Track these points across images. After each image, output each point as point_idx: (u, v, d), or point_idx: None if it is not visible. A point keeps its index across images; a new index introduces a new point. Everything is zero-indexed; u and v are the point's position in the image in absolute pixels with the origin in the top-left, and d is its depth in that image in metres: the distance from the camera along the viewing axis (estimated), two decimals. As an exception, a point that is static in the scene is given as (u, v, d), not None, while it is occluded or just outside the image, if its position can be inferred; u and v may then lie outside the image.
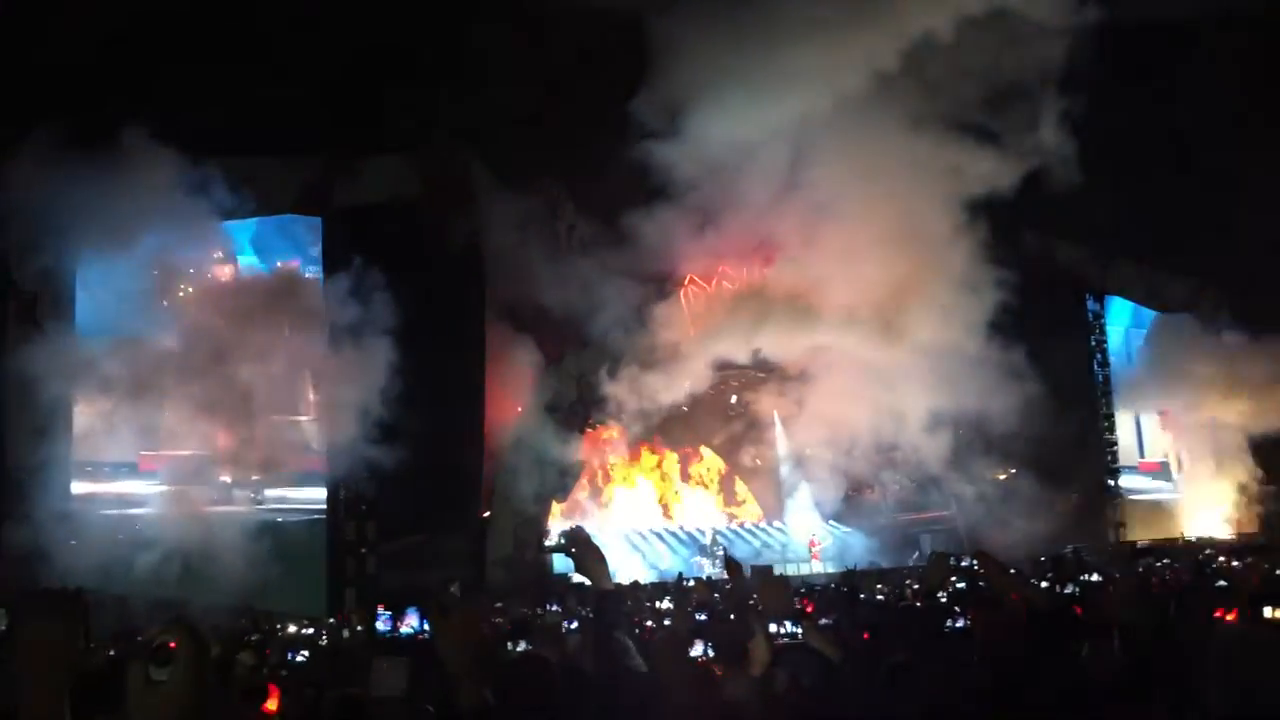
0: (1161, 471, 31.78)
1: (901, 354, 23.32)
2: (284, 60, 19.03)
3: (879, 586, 16.32)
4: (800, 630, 4.74)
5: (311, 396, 21.33)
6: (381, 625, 10.40)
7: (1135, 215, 24.63)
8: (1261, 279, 24.94)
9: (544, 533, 24.48)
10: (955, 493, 26.57)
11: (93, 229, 17.07)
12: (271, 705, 5.16)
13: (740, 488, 32.08)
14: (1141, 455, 31.86)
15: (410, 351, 18.54)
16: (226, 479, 19.82)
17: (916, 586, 14.56)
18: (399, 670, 4.96)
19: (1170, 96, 22.78)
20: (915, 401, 23.77)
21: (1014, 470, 26.20)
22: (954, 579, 11.25)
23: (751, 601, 5.70)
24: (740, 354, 25.96)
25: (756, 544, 29.52)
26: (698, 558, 27.87)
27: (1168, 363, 29.25)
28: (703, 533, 29.33)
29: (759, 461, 31.30)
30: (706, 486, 31.83)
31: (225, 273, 20.92)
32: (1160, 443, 31.92)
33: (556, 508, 26.32)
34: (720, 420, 31.04)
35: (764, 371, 27.88)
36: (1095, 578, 12.15)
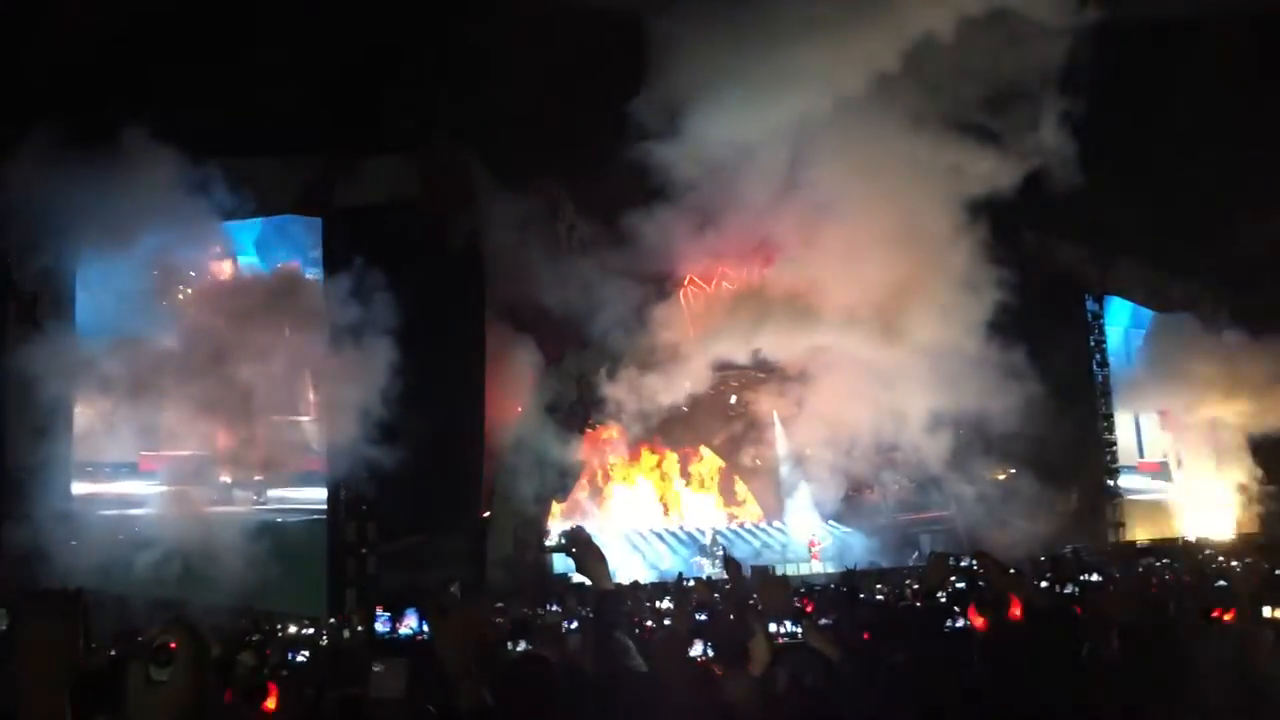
0: (1161, 471, 31.77)
1: (901, 354, 23.32)
2: (283, 60, 19.02)
3: (879, 587, 16.32)
4: (800, 630, 4.74)
5: (311, 397, 21.33)
6: (380, 626, 10.40)
7: (1135, 215, 24.63)
8: (1262, 279, 24.95)
9: (544, 533, 24.49)
10: (955, 493, 26.57)
11: (93, 229, 17.07)
12: (270, 704, 5.16)
13: (740, 488, 32.09)
14: (1141, 455, 31.84)
15: (410, 352, 18.54)
16: (227, 479, 19.82)
17: (916, 586, 14.57)
18: (398, 672, 4.96)
19: (1171, 96, 22.78)
20: (915, 401, 23.77)
21: (1014, 470, 26.21)
22: (954, 579, 11.24)
23: (751, 601, 5.70)
24: (740, 354, 25.95)
25: (756, 544, 29.53)
26: (698, 558, 27.88)
27: (1167, 362, 29.26)
28: (703, 533, 29.34)
29: (759, 462, 31.31)
30: (706, 486, 31.84)
31: (225, 271, 20.89)
32: (1160, 443, 31.91)
33: (556, 508, 26.33)
34: (720, 420, 31.05)
35: (764, 372, 27.88)
36: (1095, 578, 12.14)
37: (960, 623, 6.39)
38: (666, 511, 30.88)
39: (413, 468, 18.71)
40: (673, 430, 29.49)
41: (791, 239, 24.66)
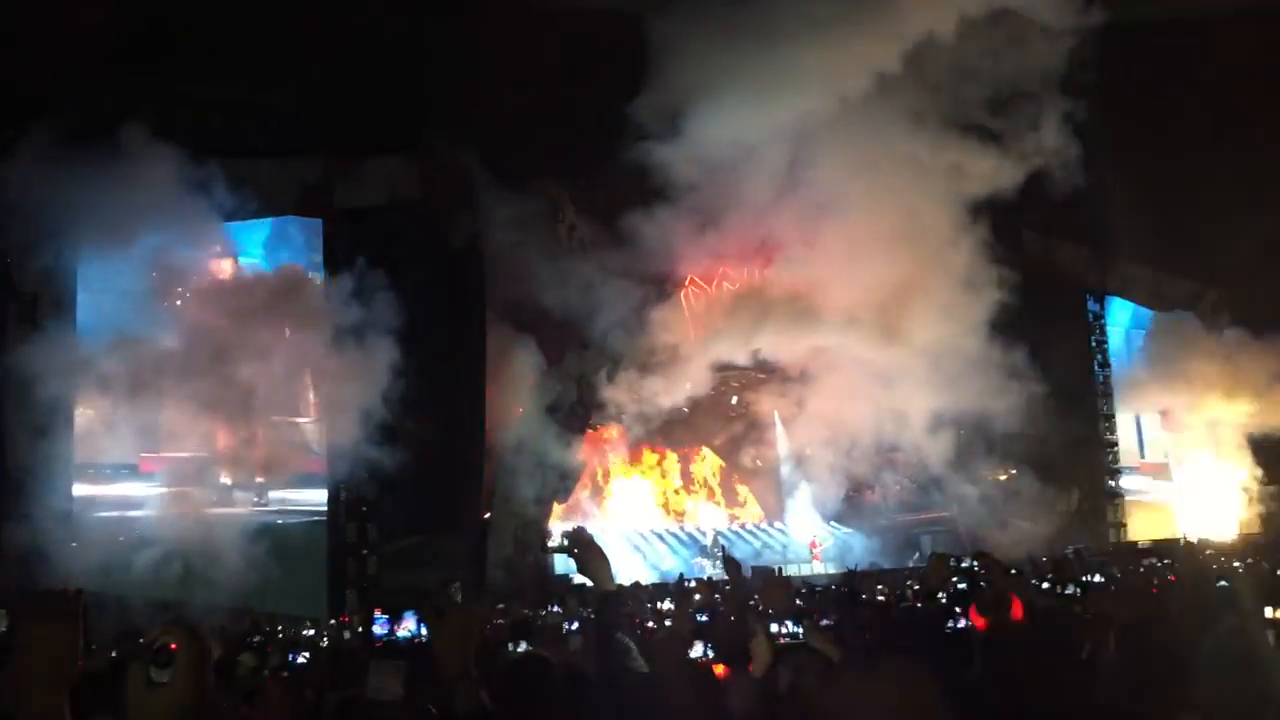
0: (1162, 472, 31.75)
1: (902, 354, 23.32)
2: (283, 61, 19.04)
3: (879, 587, 16.31)
4: (801, 630, 4.74)
5: (311, 398, 21.33)
6: (378, 629, 10.40)
7: (1136, 215, 24.62)
8: (1263, 279, 24.93)
9: (545, 534, 24.48)
10: (956, 493, 26.56)
11: (93, 229, 17.07)
12: (271, 705, 5.17)
13: (741, 488, 32.08)
14: (1142, 455, 31.83)
15: (410, 352, 18.53)
16: (227, 481, 19.82)
17: (917, 587, 14.57)
18: (396, 674, 4.95)
19: (1171, 96, 22.78)
20: (916, 402, 23.77)
21: (1014, 471, 26.21)
22: (955, 580, 11.24)
23: (752, 602, 5.70)
24: (741, 355, 25.95)
25: (757, 544, 29.52)
26: (699, 558, 27.87)
27: (1167, 362, 29.26)
28: (704, 533, 29.34)
29: (759, 462, 31.30)
30: (707, 487, 31.83)
31: (225, 270, 20.88)
32: (1161, 443, 31.89)
33: (557, 509, 26.32)
34: (721, 421, 31.04)
35: (764, 372, 27.89)
36: (1097, 579, 12.14)
37: (961, 623, 6.39)
38: (667, 512, 30.88)
39: (413, 468, 18.71)
40: (673, 431, 29.49)
41: (792, 239, 24.67)
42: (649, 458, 30.87)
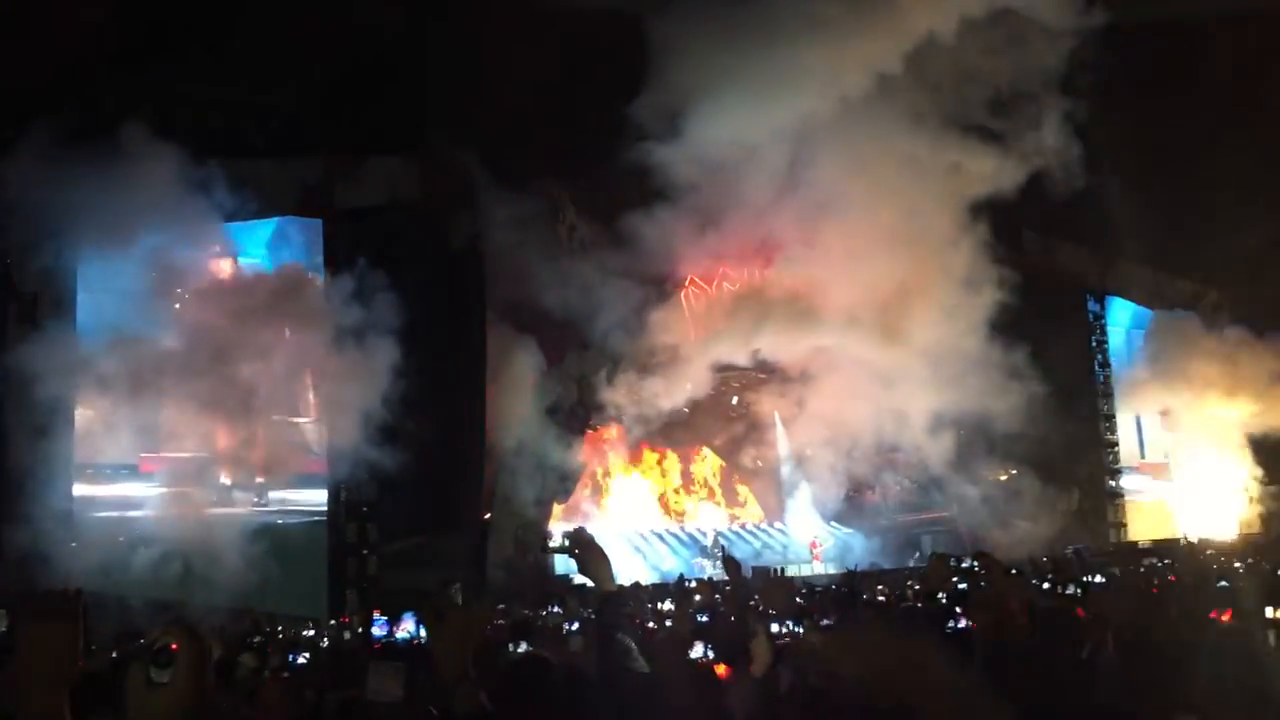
0: (1162, 472, 31.76)
1: (902, 354, 23.32)
2: (284, 62, 19.04)
3: (879, 588, 16.31)
4: (802, 630, 4.74)
5: (311, 398, 21.32)
6: (377, 631, 10.41)
7: (1137, 216, 24.62)
8: (1263, 280, 24.94)
9: (546, 534, 24.48)
10: (956, 494, 26.56)
11: (94, 229, 17.07)
12: (271, 705, 5.17)
13: (741, 488, 32.09)
14: (1142, 455, 31.84)
15: (411, 353, 18.53)
16: (227, 481, 19.82)
17: (918, 587, 14.56)
18: (395, 676, 4.96)
19: (1172, 96, 22.78)
20: (916, 402, 23.78)
21: (1015, 471, 26.21)
22: (955, 580, 11.24)
23: (753, 602, 5.70)
24: (741, 355, 25.95)
25: (757, 545, 29.53)
26: (699, 559, 27.87)
27: (1168, 361, 29.26)
28: (704, 534, 29.34)
29: (760, 463, 31.30)
30: (708, 487, 31.83)
31: (224, 270, 20.87)
32: (1161, 443, 31.90)
33: (557, 509, 26.31)
34: (721, 421, 31.04)
35: (765, 373, 27.89)
36: (1099, 579, 12.15)
37: (962, 623, 6.39)
38: (668, 512, 30.88)
39: (413, 469, 18.70)
40: (674, 431, 29.50)
41: (793, 239, 24.68)
42: (649, 458, 30.88)
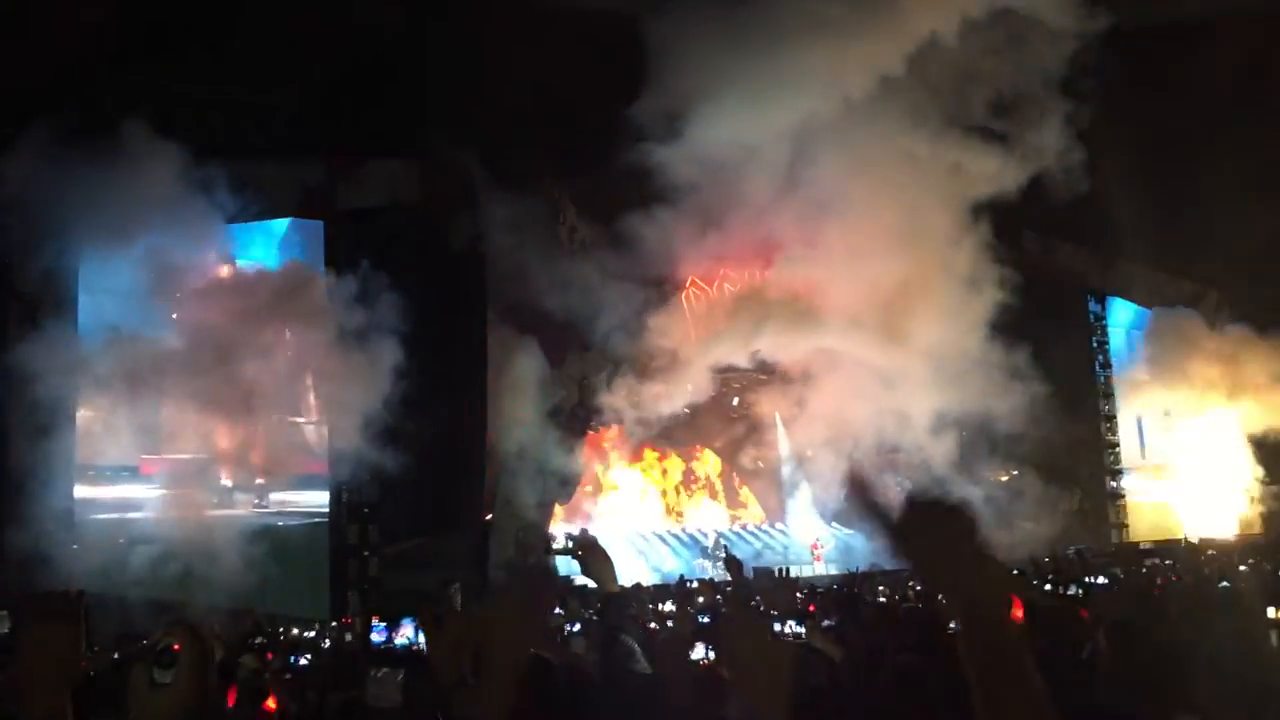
0: (1164, 472, 31.74)
1: (903, 355, 23.31)
2: (284, 63, 19.05)
3: (880, 588, 16.31)
4: (804, 630, 4.74)
5: (312, 399, 21.32)
6: (376, 637, 10.39)
7: (1137, 216, 24.62)
8: (1264, 279, 24.92)
9: (549, 536, 24.47)
10: (957, 494, 26.46)
11: (94, 230, 17.07)
12: (271, 704, 5.17)
13: (742, 489, 32.08)
14: (1143, 456, 31.83)
15: (412, 354, 18.53)
16: (227, 482, 19.81)
17: (919, 588, 14.56)
18: (394, 682, 4.96)
19: (1172, 97, 22.77)
20: (917, 402, 23.77)
21: (1016, 471, 26.19)
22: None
23: (754, 602, 5.70)
24: (742, 357, 25.95)
25: (758, 545, 29.52)
26: (700, 560, 27.86)
27: (1168, 360, 29.25)
28: (705, 534, 29.33)
29: (760, 463, 31.30)
30: (709, 488, 31.83)
31: (225, 273, 20.87)
32: (1162, 443, 31.88)
33: (559, 510, 26.31)
34: (722, 422, 31.04)
35: (765, 373, 27.87)
36: (1100, 580, 12.15)
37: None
38: (669, 513, 30.88)
39: (414, 470, 18.70)
40: (674, 432, 29.50)
41: (794, 240, 24.67)
42: (650, 458, 30.87)
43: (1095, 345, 30.34)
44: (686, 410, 27.36)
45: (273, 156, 20.35)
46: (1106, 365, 30.27)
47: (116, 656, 7.00)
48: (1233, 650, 5.16)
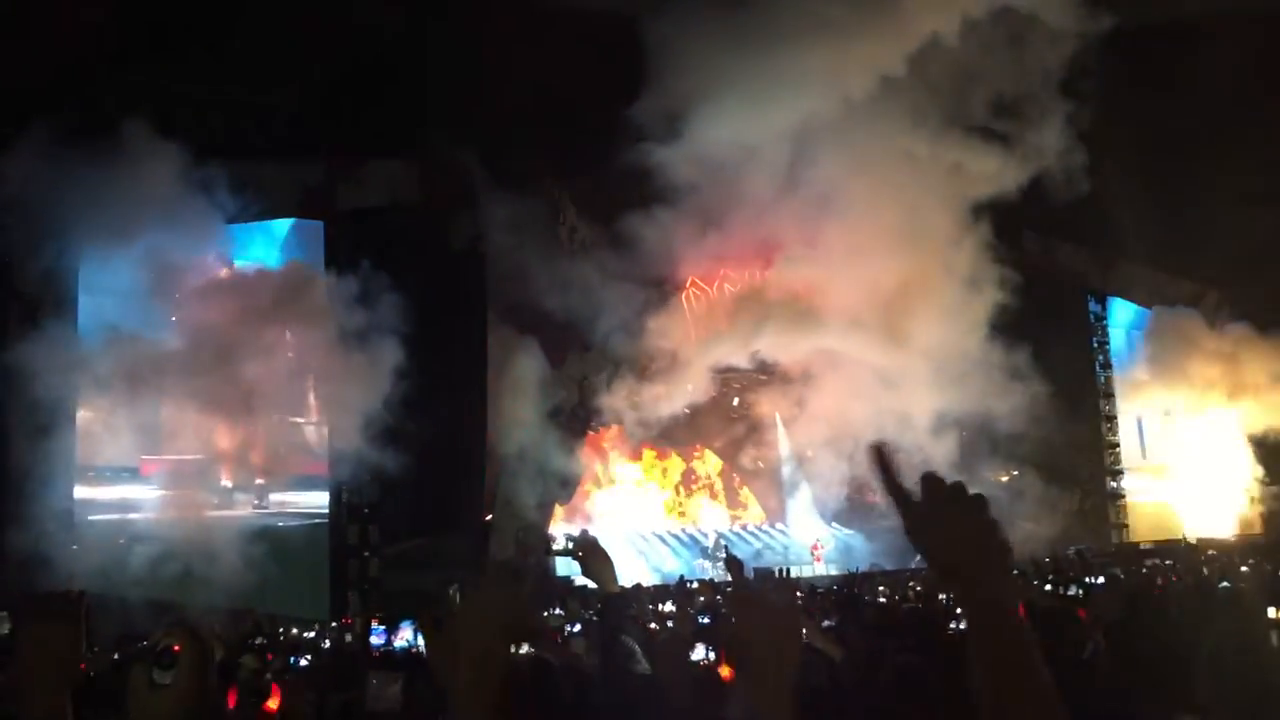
0: (1164, 472, 31.73)
1: (904, 355, 23.30)
2: (284, 64, 19.05)
3: (880, 589, 16.32)
4: (805, 631, 4.73)
5: (313, 399, 21.31)
6: (376, 639, 10.38)
7: (1138, 216, 24.63)
8: (1264, 280, 24.92)
9: (550, 537, 24.47)
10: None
11: (94, 230, 17.07)
12: (272, 704, 5.17)
13: (743, 489, 32.08)
14: (1144, 456, 31.81)
15: (412, 354, 18.52)
16: (228, 483, 19.81)
17: (919, 588, 14.57)
18: (393, 685, 4.97)
19: (1172, 97, 22.77)
20: (918, 403, 23.74)
21: (1016, 472, 26.19)
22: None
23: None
24: (743, 357, 25.95)
25: (758, 545, 29.52)
26: (700, 560, 27.85)
27: (1168, 359, 29.25)
28: (705, 535, 29.32)
29: (760, 464, 31.30)
30: (709, 488, 31.83)
31: (225, 273, 20.86)
32: (1163, 443, 31.88)
33: (559, 511, 26.31)
34: (722, 422, 31.04)
35: (765, 374, 27.88)
36: (1100, 580, 12.15)
37: (963, 624, 6.37)
38: (669, 513, 30.87)
39: (415, 470, 18.70)
40: (674, 433, 29.50)
41: (794, 240, 24.67)
42: (650, 458, 30.87)
43: (1095, 345, 30.34)
44: (686, 410, 27.36)
45: (273, 156, 20.36)
46: (1107, 365, 30.27)
47: (116, 657, 7.00)
48: (1233, 650, 5.15)
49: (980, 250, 22.83)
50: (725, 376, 27.95)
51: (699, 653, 5.36)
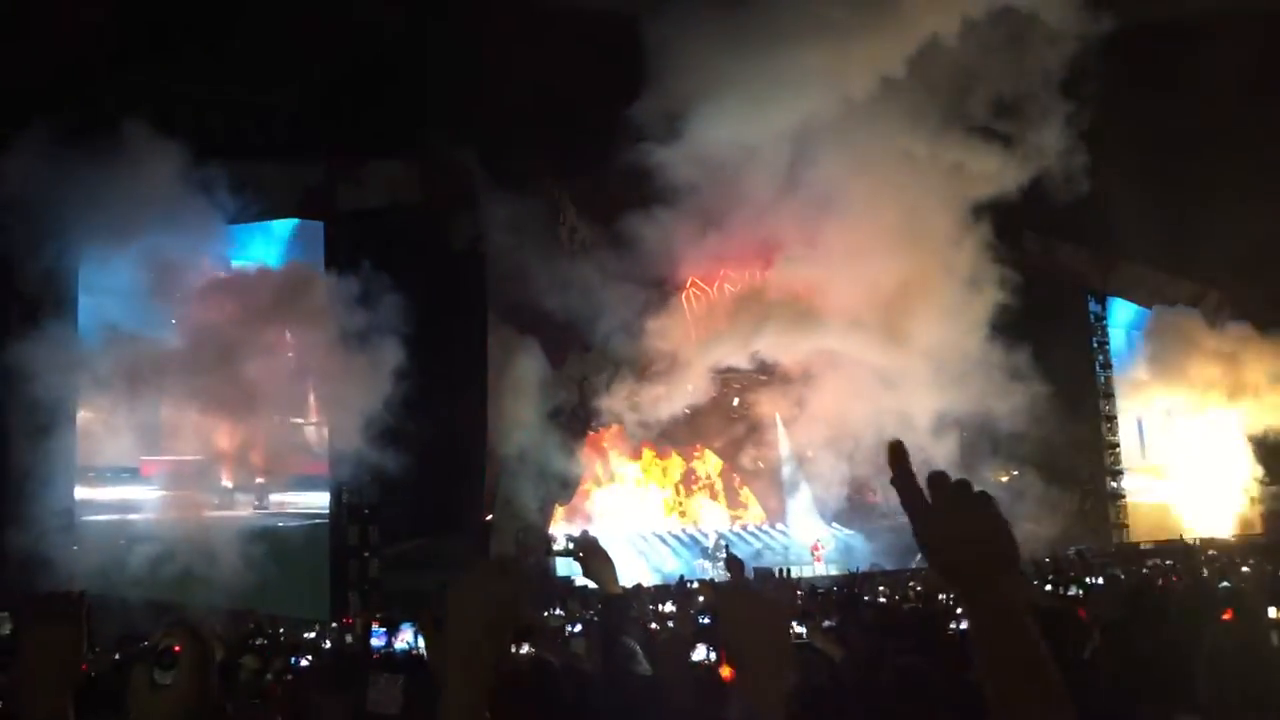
0: (1164, 472, 31.73)
1: (904, 355, 23.30)
2: (284, 63, 19.06)
3: (881, 589, 16.31)
4: (805, 631, 4.74)
5: (313, 400, 21.31)
6: (376, 641, 10.36)
7: (1137, 216, 24.64)
8: (1264, 278, 24.93)
9: (547, 537, 24.47)
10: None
11: (96, 230, 17.08)
12: (274, 707, 5.18)
13: (743, 490, 32.08)
14: (1144, 456, 31.82)
15: (412, 354, 18.52)
16: (228, 484, 19.81)
17: (919, 589, 14.58)
18: (393, 687, 4.96)
19: (1172, 97, 22.77)
20: (918, 403, 23.74)
21: (1016, 472, 26.18)
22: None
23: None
24: (743, 357, 25.95)
25: (759, 545, 29.51)
26: (701, 560, 27.83)
27: (1168, 358, 29.24)
28: (706, 535, 29.31)
29: (761, 464, 31.30)
30: (709, 488, 31.82)
31: (225, 273, 20.85)
32: (1163, 443, 31.87)
33: (559, 511, 26.30)
34: (722, 423, 31.03)
35: (765, 374, 27.87)
36: (1099, 581, 12.14)
37: (964, 625, 6.38)
38: (669, 512, 30.86)
39: (415, 471, 18.69)
40: (674, 433, 29.49)
41: (794, 241, 24.67)
42: (651, 459, 30.86)
43: (1096, 345, 30.35)
44: (687, 411, 27.36)
45: (273, 157, 20.36)
46: (1107, 365, 30.28)
47: (117, 658, 7.00)
48: (1233, 650, 5.15)
49: (980, 250, 22.83)
50: (725, 377, 27.94)
51: (700, 653, 5.35)
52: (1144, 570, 16.82)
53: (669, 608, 12.85)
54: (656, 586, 21.21)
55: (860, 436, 25.36)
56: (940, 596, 11.36)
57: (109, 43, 17.43)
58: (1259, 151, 22.09)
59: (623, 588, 3.83)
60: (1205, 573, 14.29)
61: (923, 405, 23.65)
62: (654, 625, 9.92)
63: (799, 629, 4.75)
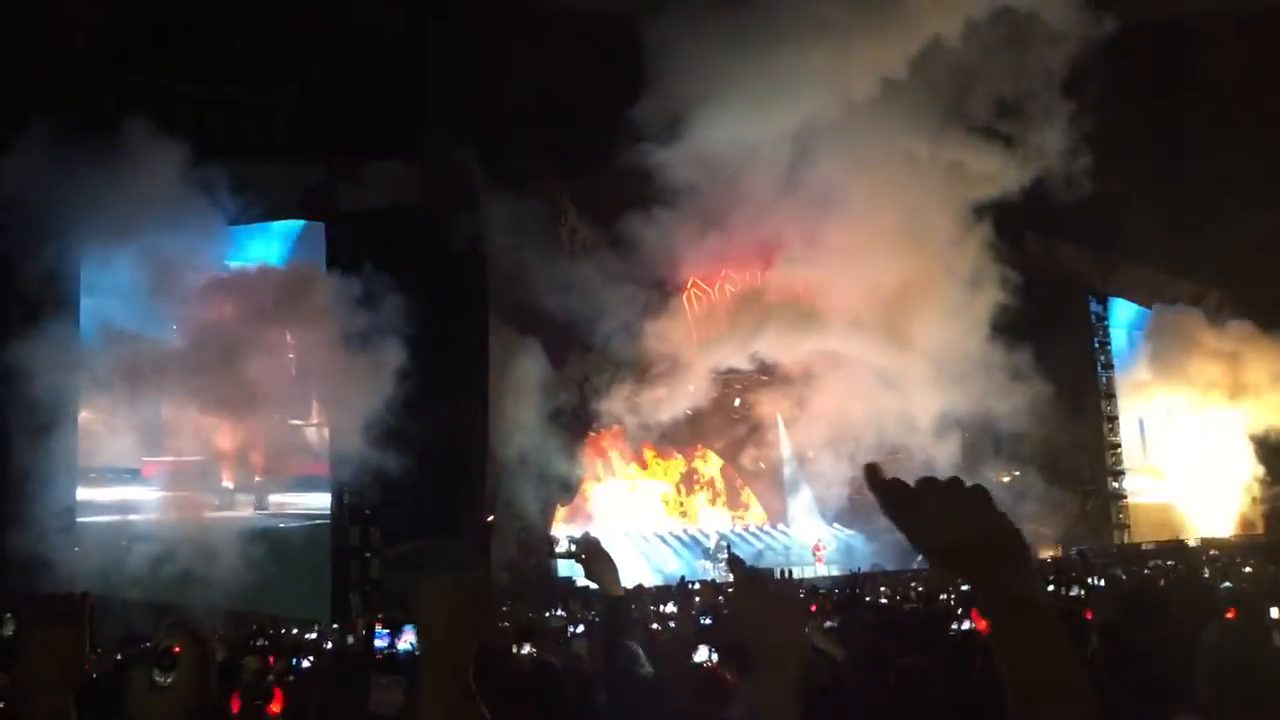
0: (1166, 473, 31.70)
1: (905, 356, 23.29)
2: (284, 63, 19.06)
3: (882, 589, 16.30)
4: (807, 631, 4.73)
5: (314, 400, 21.31)
6: (379, 643, 10.36)
7: (1138, 216, 24.63)
8: (1265, 279, 24.91)
9: (548, 537, 24.46)
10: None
11: (97, 230, 17.09)
12: (275, 708, 5.17)
13: (744, 490, 32.06)
14: (1145, 456, 31.80)
15: (413, 355, 18.51)
16: (229, 484, 19.81)
17: (921, 589, 14.57)
18: (395, 689, 4.97)
19: (1173, 97, 22.78)
20: (919, 403, 23.74)
21: (1018, 472, 26.17)
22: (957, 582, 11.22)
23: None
24: (744, 358, 25.94)
25: (760, 546, 29.49)
26: (702, 561, 27.81)
27: (1169, 357, 29.22)
28: (707, 535, 29.30)
29: (762, 465, 31.28)
30: (710, 489, 31.81)
31: (226, 274, 20.86)
32: (1164, 444, 31.86)
33: (560, 511, 26.29)
34: (724, 423, 31.01)
35: (766, 375, 27.86)
36: (1100, 582, 12.14)
37: (965, 625, 6.38)
38: (670, 512, 30.85)
39: (416, 471, 18.69)
40: (675, 433, 29.48)
41: (796, 241, 24.67)
42: (652, 459, 30.85)
43: (1097, 346, 30.33)
44: (688, 411, 27.35)
45: (273, 157, 20.36)
46: (1108, 366, 30.26)
47: (118, 658, 7.00)
48: (1233, 650, 5.15)
49: (981, 251, 22.82)
50: (726, 377, 27.93)
51: (701, 654, 5.35)
52: (1145, 571, 16.80)
53: (670, 608, 12.86)
54: (658, 587, 21.21)
55: (861, 437, 25.38)
56: (941, 597, 11.36)
57: (109, 43, 17.44)
58: (1259, 151, 22.08)
59: (625, 590, 3.83)
60: (1207, 573, 14.28)
61: (924, 406, 23.66)
62: (655, 626, 9.93)
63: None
